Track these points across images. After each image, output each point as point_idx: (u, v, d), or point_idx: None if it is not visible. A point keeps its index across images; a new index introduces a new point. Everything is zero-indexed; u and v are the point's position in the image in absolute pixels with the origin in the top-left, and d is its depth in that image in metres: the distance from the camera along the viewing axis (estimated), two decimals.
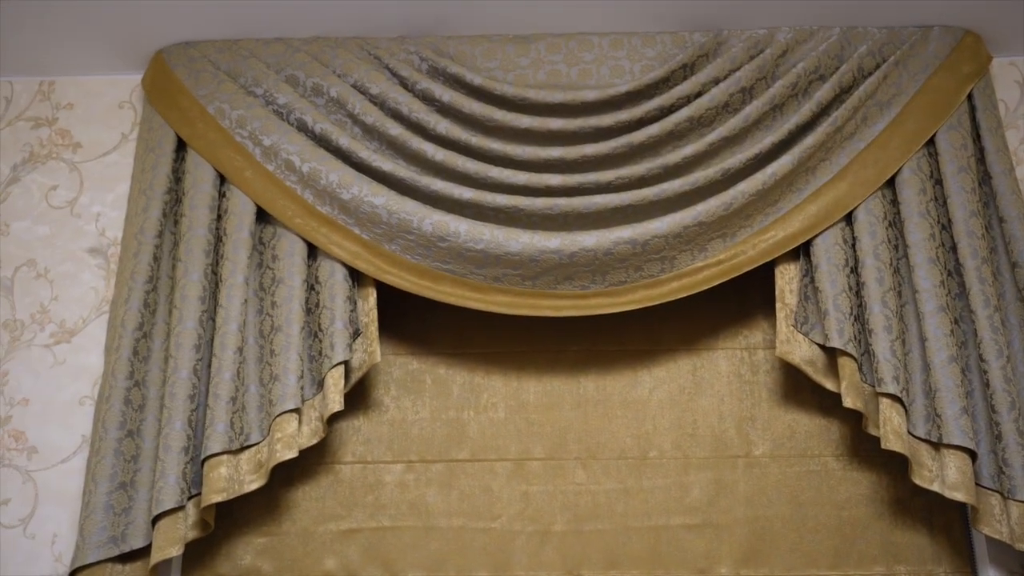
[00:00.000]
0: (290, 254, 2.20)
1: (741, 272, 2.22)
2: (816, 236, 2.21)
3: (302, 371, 2.11)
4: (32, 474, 2.20)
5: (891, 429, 2.03)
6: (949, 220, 2.22)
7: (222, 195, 2.28)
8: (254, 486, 2.06)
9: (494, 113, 2.26)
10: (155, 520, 2.01)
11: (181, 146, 2.32)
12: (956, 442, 2.00)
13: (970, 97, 2.32)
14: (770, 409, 2.31)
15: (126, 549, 2.02)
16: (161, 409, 2.10)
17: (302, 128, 2.28)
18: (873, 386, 2.10)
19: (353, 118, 2.29)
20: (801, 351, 2.17)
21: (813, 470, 2.26)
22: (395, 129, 2.25)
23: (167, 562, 2.17)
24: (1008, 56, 2.47)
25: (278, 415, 2.07)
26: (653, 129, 2.24)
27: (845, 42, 2.34)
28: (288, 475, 2.25)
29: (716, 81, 2.30)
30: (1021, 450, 2.01)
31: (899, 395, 2.04)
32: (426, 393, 2.34)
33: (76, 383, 2.27)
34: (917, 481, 2.04)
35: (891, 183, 2.26)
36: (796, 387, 2.32)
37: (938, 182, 2.26)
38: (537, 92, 2.28)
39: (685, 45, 2.36)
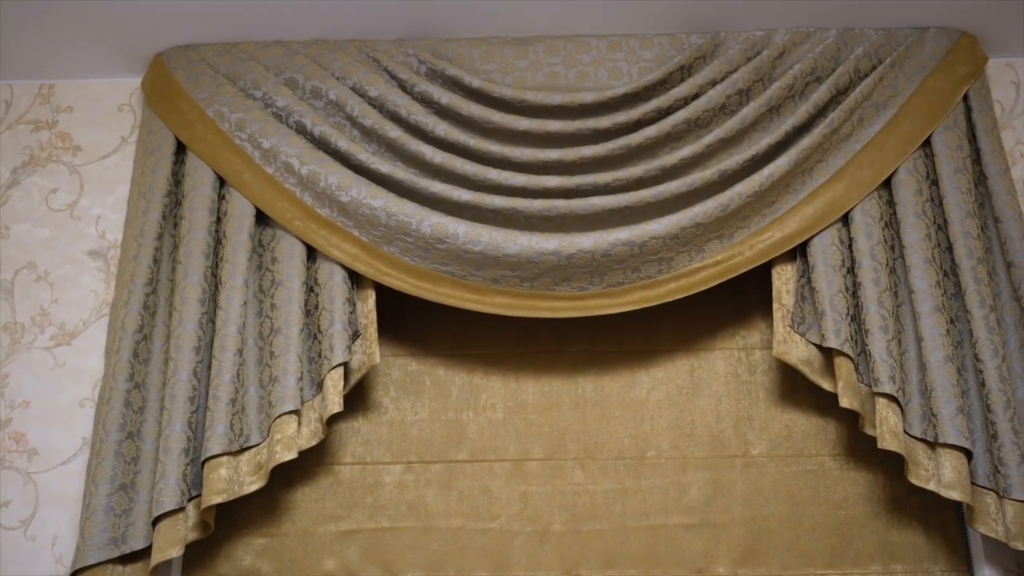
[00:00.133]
0: (289, 256, 2.21)
1: (738, 273, 2.22)
2: (813, 237, 2.22)
3: (301, 373, 2.12)
4: (33, 476, 2.21)
5: (887, 429, 2.04)
6: (945, 220, 2.22)
7: (222, 198, 2.28)
8: (254, 487, 2.06)
9: (492, 115, 2.27)
10: (155, 521, 2.02)
11: (181, 149, 2.32)
12: (952, 441, 2.01)
13: (966, 98, 2.33)
14: (767, 409, 2.32)
15: (126, 550, 2.02)
16: (161, 411, 2.10)
17: (301, 131, 2.29)
18: (870, 386, 2.10)
19: (352, 120, 2.30)
20: (798, 351, 2.18)
21: (810, 470, 2.27)
22: (394, 131, 2.26)
23: (167, 563, 2.17)
24: (1004, 57, 2.48)
25: (278, 416, 2.07)
26: (651, 131, 2.25)
27: (842, 44, 2.35)
28: (288, 476, 2.25)
29: (713, 83, 2.31)
30: (1016, 449, 2.01)
31: (895, 395, 2.05)
32: (425, 394, 2.35)
33: (76, 385, 2.27)
34: (913, 480, 2.04)
35: (887, 184, 2.27)
36: (793, 387, 2.32)
37: (934, 183, 2.27)
38: (535, 94, 2.29)
39: (682, 47, 2.37)
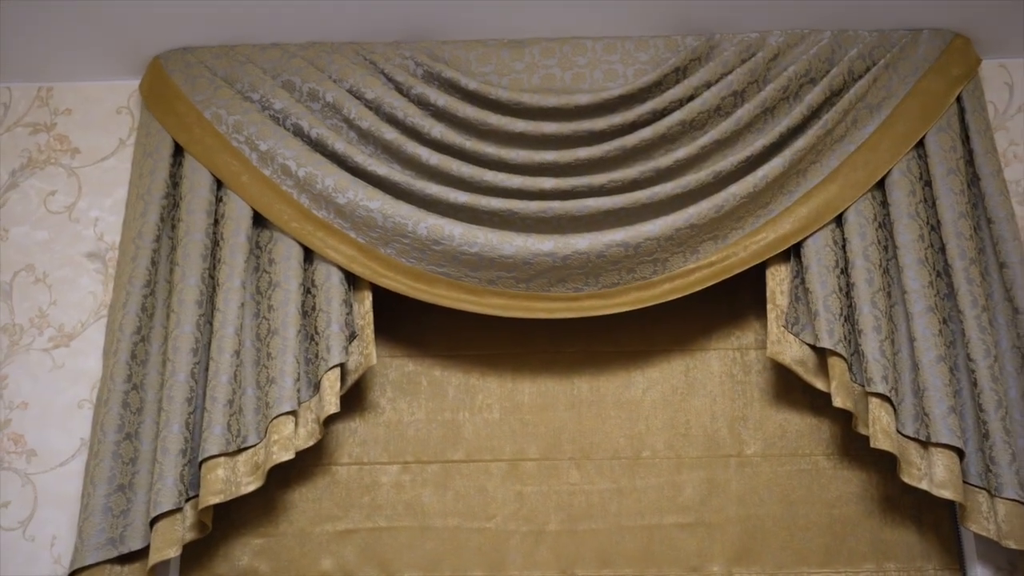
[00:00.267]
0: (286, 258, 2.22)
1: (732, 274, 2.23)
2: (807, 238, 2.23)
3: (298, 374, 2.13)
4: (31, 477, 2.22)
5: (880, 428, 2.05)
6: (938, 221, 2.23)
7: (219, 200, 2.29)
8: (251, 488, 2.07)
9: (488, 117, 2.28)
10: (153, 522, 2.02)
11: (178, 151, 2.33)
12: (944, 441, 2.02)
13: (959, 99, 2.33)
14: (762, 409, 2.33)
15: (124, 551, 2.03)
16: (159, 412, 2.11)
17: (298, 133, 2.29)
18: (863, 386, 2.11)
19: (349, 123, 2.30)
20: (792, 351, 2.19)
21: (804, 469, 2.28)
22: (390, 134, 2.27)
23: (165, 563, 2.18)
24: (998, 58, 2.48)
25: (275, 417, 2.08)
26: (646, 132, 2.26)
27: (836, 46, 2.35)
28: (285, 476, 2.26)
29: (708, 85, 2.31)
30: (1008, 448, 2.03)
31: (888, 394, 2.06)
32: (422, 395, 2.36)
33: (75, 387, 2.28)
34: (906, 479, 2.05)
35: (881, 185, 2.27)
36: (787, 387, 2.33)
37: (927, 184, 2.27)
38: (531, 96, 2.30)
39: (678, 49, 2.37)
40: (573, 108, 2.29)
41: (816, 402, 2.29)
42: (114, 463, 2.06)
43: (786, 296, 2.23)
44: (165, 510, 2.01)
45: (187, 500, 2.06)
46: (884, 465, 2.24)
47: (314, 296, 2.21)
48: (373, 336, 2.20)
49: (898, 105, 2.30)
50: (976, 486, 2.06)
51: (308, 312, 2.20)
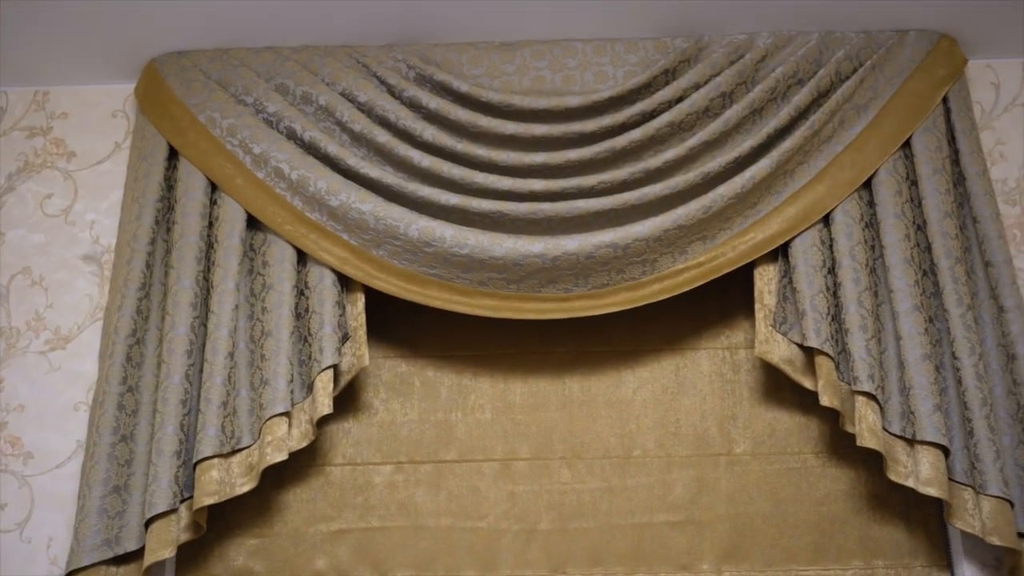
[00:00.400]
0: (280, 260, 2.23)
1: (721, 274, 2.24)
2: (794, 238, 2.24)
3: (292, 375, 2.14)
4: (28, 479, 2.23)
5: (866, 426, 2.06)
6: (924, 221, 2.24)
7: (213, 202, 2.30)
8: (245, 488, 2.08)
9: (479, 120, 2.29)
10: (148, 523, 2.03)
11: (173, 154, 2.33)
12: (929, 438, 2.03)
13: (945, 100, 2.34)
14: (751, 408, 2.34)
15: (120, 551, 2.03)
16: (154, 414, 2.12)
17: (291, 136, 2.30)
18: (849, 384, 2.12)
19: (341, 126, 2.31)
20: (780, 351, 2.20)
21: (793, 467, 2.29)
22: (383, 136, 2.27)
23: (161, 564, 2.19)
24: (984, 59, 2.49)
25: (268, 418, 2.09)
26: (635, 134, 2.27)
27: (823, 47, 2.36)
28: (279, 477, 2.27)
29: (697, 86, 2.32)
30: (992, 446, 2.04)
31: (874, 393, 2.07)
32: (415, 395, 2.37)
33: (71, 389, 2.29)
34: (892, 477, 2.07)
35: (868, 185, 2.28)
36: (776, 386, 2.34)
37: (914, 183, 2.28)
38: (522, 98, 2.31)
39: (667, 51, 2.38)
40: (563, 110, 2.30)
41: (805, 401, 2.30)
42: (110, 465, 2.07)
43: (774, 296, 2.24)
44: (160, 511, 2.01)
45: (182, 501, 2.07)
46: (872, 463, 2.24)
47: (307, 298, 2.22)
48: (366, 337, 2.21)
49: (885, 106, 2.31)
50: (962, 483, 2.07)
51: (301, 314, 2.22)
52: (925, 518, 2.25)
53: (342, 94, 2.34)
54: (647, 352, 2.39)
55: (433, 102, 2.31)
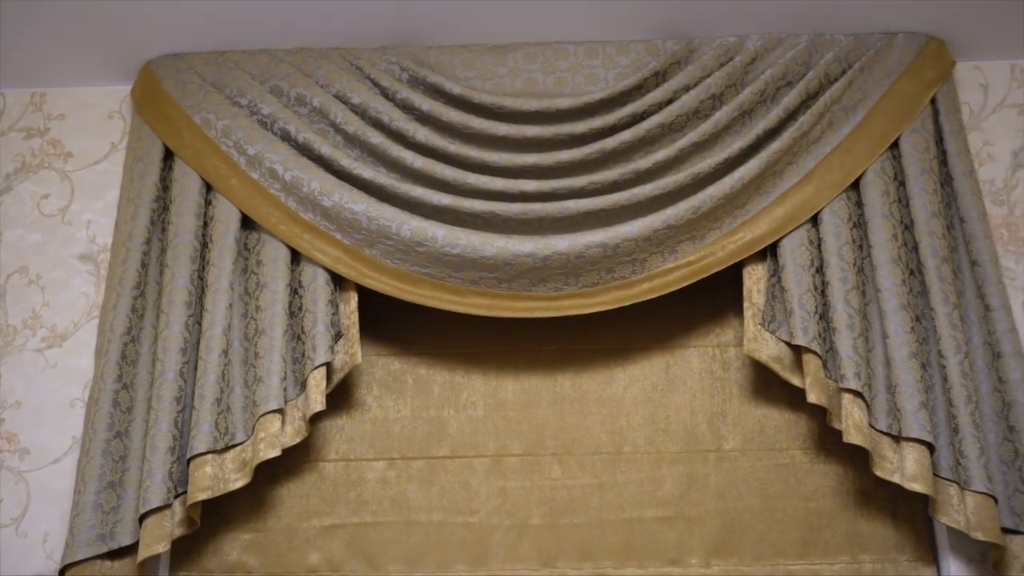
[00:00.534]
0: (274, 259, 2.24)
1: (710, 273, 2.26)
2: (783, 237, 2.25)
3: (285, 372, 2.15)
4: (24, 475, 2.25)
5: (852, 423, 2.08)
6: (911, 220, 2.25)
7: (208, 203, 2.31)
8: (239, 484, 2.10)
9: (472, 121, 2.30)
10: (142, 518, 2.05)
11: (169, 155, 2.35)
12: (914, 435, 2.05)
13: (933, 101, 2.35)
14: (740, 405, 2.36)
15: (114, 546, 2.05)
16: (148, 411, 2.14)
17: (285, 137, 2.31)
18: (836, 382, 2.14)
19: (335, 127, 2.32)
20: (768, 349, 2.21)
21: (781, 463, 2.31)
22: (376, 137, 2.29)
23: (155, 558, 2.21)
24: (973, 60, 2.51)
25: (262, 415, 2.10)
26: (625, 135, 2.28)
27: (813, 49, 2.37)
28: (273, 473, 2.29)
29: (687, 88, 2.33)
30: (976, 442, 2.06)
31: (860, 390, 2.09)
32: (407, 392, 2.39)
33: (67, 386, 2.31)
34: (878, 473, 2.08)
35: (856, 185, 2.29)
36: (765, 383, 2.36)
37: (901, 184, 2.30)
38: (514, 100, 2.32)
39: (658, 53, 2.39)
40: (555, 112, 2.31)
41: (793, 398, 2.32)
42: (104, 461, 2.08)
43: (763, 294, 2.26)
44: (154, 506, 2.03)
45: (176, 497, 2.08)
46: (859, 459, 2.26)
47: (301, 297, 2.23)
48: (358, 336, 2.23)
49: (873, 107, 2.32)
50: (947, 479, 2.08)
51: (295, 312, 2.23)
52: (911, 513, 2.27)
53: (336, 96, 2.35)
54: (638, 350, 2.41)
55: (426, 104, 2.32)
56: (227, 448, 2.12)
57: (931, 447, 2.08)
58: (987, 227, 2.25)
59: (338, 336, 2.21)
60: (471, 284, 2.25)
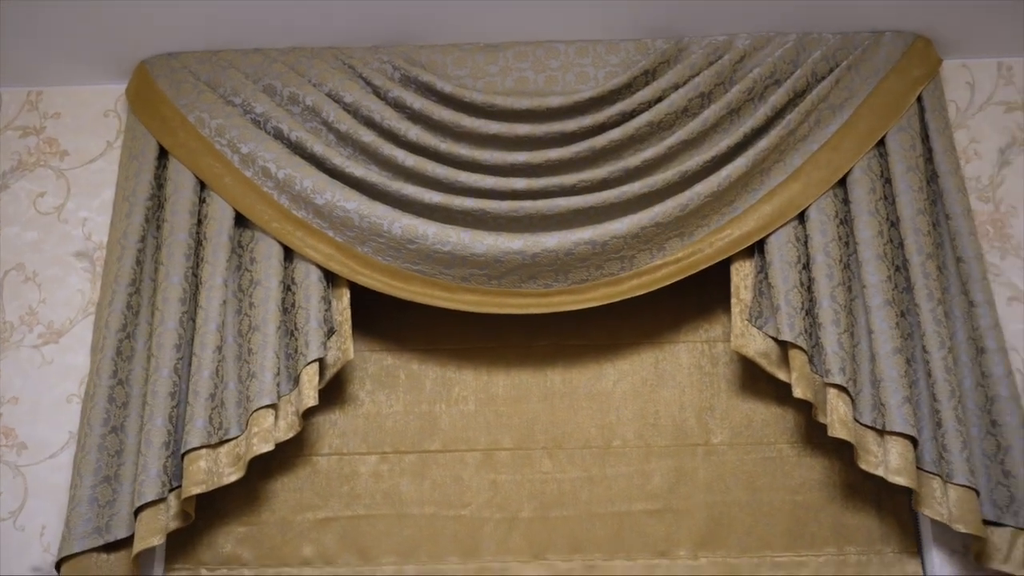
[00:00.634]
0: (267, 257, 2.26)
1: (698, 269, 2.27)
2: (770, 234, 2.26)
3: (278, 368, 2.17)
4: (22, 469, 2.26)
5: (837, 418, 2.10)
6: (897, 217, 2.26)
7: (202, 201, 2.32)
8: (232, 478, 2.11)
9: (463, 119, 2.31)
10: (138, 511, 2.06)
11: (163, 154, 2.36)
12: (898, 429, 2.07)
13: (919, 99, 2.37)
14: (728, 399, 2.38)
15: (110, 539, 2.07)
16: (143, 406, 2.15)
17: (278, 136, 2.33)
18: (822, 377, 2.16)
19: (328, 126, 2.34)
20: (755, 344, 2.23)
21: (769, 457, 2.33)
22: (368, 136, 2.30)
23: (151, 551, 2.22)
24: (960, 58, 2.52)
25: (255, 410, 2.12)
26: (615, 134, 2.29)
27: (800, 48, 2.39)
28: (267, 467, 2.31)
29: (676, 87, 2.35)
30: (959, 436, 2.08)
31: (845, 385, 2.11)
32: (400, 387, 2.41)
33: (64, 382, 2.32)
34: (863, 466, 2.10)
35: (842, 182, 2.31)
36: (753, 378, 2.38)
37: (887, 181, 2.31)
38: (505, 99, 2.33)
39: (648, 52, 2.40)
40: (545, 110, 2.33)
41: (781, 392, 2.33)
42: (100, 455, 2.10)
43: (750, 291, 2.27)
44: (149, 500, 2.05)
45: (171, 490, 2.10)
46: (845, 453, 2.28)
47: (294, 293, 2.25)
48: (351, 332, 2.25)
49: (860, 105, 2.34)
50: (930, 472, 2.10)
51: (288, 309, 2.24)
52: (896, 506, 2.29)
53: (328, 95, 2.36)
54: (627, 345, 2.43)
55: (417, 102, 2.33)
56: (221, 443, 2.14)
57: (915, 441, 2.10)
58: (972, 224, 2.27)
59: (331, 332, 2.23)
60: (462, 281, 2.26)
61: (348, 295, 2.28)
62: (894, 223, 2.29)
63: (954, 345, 2.21)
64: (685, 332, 2.44)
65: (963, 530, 2.04)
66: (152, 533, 2.06)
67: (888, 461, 2.09)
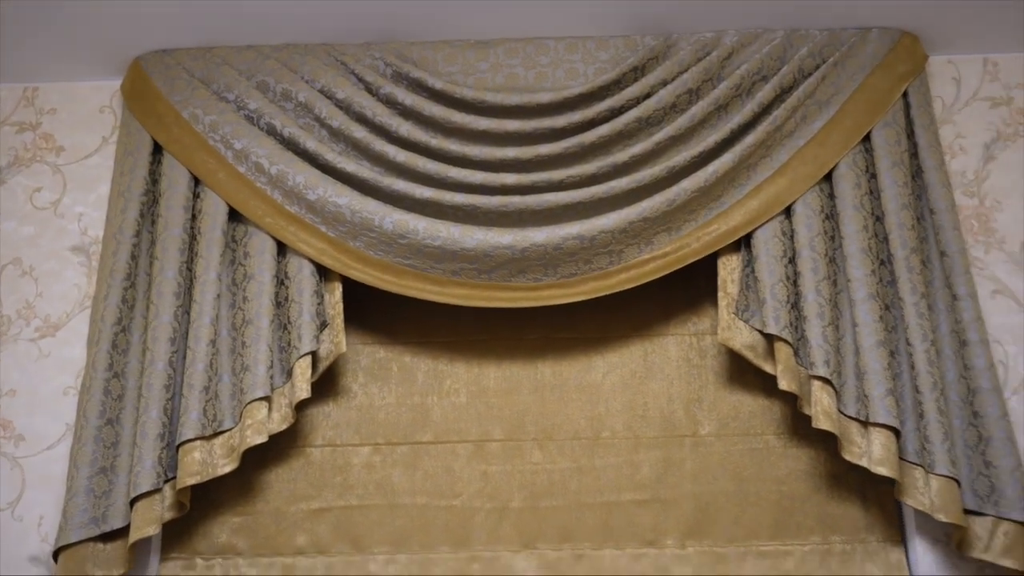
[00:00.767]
0: (260, 251, 2.27)
1: (685, 264, 2.29)
2: (756, 229, 2.28)
3: (272, 361, 2.18)
4: (19, 460, 2.28)
5: (821, 409, 2.12)
6: (882, 212, 2.27)
7: (196, 196, 2.33)
8: (227, 469, 2.13)
9: (453, 116, 2.32)
10: (133, 502, 2.08)
11: (158, 149, 2.37)
12: (881, 421, 2.09)
13: (905, 95, 2.38)
14: (716, 391, 2.40)
15: (106, 529, 2.08)
16: (139, 398, 2.16)
17: (271, 132, 2.34)
18: (807, 369, 2.18)
19: (320, 122, 2.35)
20: (742, 337, 2.25)
21: (755, 447, 2.35)
22: (360, 132, 2.32)
23: (146, 540, 2.24)
24: (946, 55, 2.53)
25: (249, 402, 2.13)
26: (604, 129, 2.30)
27: (788, 44, 2.40)
28: (262, 458, 2.33)
29: (664, 83, 2.36)
30: (941, 427, 2.10)
31: (829, 377, 2.13)
32: (392, 380, 2.43)
33: (60, 375, 2.34)
34: (847, 457, 2.12)
35: (828, 177, 2.32)
36: (740, 370, 2.40)
37: (873, 176, 2.32)
38: (495, 95, 2.34)
39: (637, 48, 2.42)
40: (535, 106, 2.34)
41: (767, 384, 2.35)
42: (96, 447, 2.12)
43: (736, 284, 2.29)
44: (144, 491, 2.06)
45: (166, 481, 2.11)
46: (831, 444, 2.29)
47: (287, 287, 2.26)
48: (343, 325, 2.26)
49: (846, 101, 2.35)
50: (913, 463, 2.12)
51: (281, 303, 2.26)
52: (880, 496, 2.31)
53: (321, 91, 2.38)
54: (616, 338, 2.45)
55: (409, 99, 2.35)
56: (215, 434, 2.16)
57: (897, 432, 2.12)
58: (956, 218, 2.29)
59: (323, 326, 2.24)
60: (452, 275, 2.28)
61: (340, 289, 2.30)
62: (879, 218, 2.30)
63: (937, 338, 2.23)
64: (673, 325, 2.46)
65: (945, 519, 2.06)
66: (148, 523, 2.08)
67: (871, 452, 2.11)
